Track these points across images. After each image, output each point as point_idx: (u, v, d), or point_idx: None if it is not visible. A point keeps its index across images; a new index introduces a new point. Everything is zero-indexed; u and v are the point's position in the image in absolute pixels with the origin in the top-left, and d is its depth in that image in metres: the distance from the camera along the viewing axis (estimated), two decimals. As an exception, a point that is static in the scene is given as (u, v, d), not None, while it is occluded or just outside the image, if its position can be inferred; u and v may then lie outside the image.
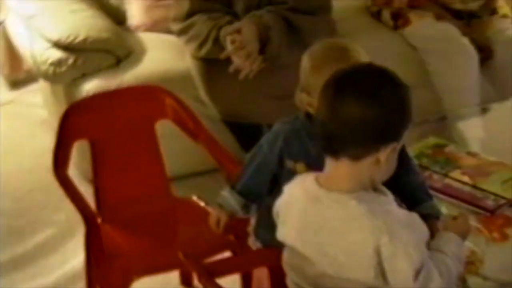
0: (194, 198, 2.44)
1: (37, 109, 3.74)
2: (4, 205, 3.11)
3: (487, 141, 2.71)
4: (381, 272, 1.62)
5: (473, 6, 3.46)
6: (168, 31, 3.24)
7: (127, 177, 2.38)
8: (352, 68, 1.71)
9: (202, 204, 2.41)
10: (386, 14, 3.47)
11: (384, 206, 1.66)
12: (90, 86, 3.01)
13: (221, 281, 1.76)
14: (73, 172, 2.40)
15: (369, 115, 1.60)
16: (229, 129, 3.05)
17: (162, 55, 3.18)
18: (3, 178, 3.25)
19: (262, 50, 2.82)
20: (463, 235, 1.77)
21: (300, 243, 1.71)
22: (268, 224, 1.94)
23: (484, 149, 2.55)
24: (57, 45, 3.04)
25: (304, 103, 1.93)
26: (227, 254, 2.22)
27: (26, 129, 3.66)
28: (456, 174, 2.30)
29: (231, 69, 2.77)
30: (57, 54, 3.03)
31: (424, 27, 3.37)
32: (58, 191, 2.83)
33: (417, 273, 1.61)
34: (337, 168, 1.66)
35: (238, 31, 2.78)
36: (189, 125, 2.41)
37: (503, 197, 2.18)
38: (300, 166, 1.94)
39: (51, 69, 3.02)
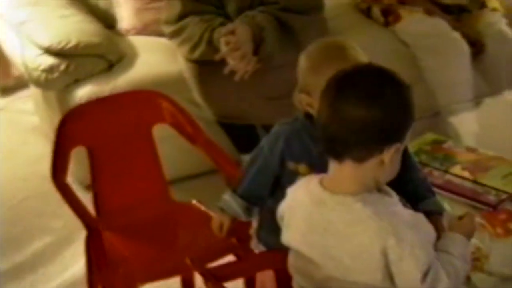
0: (194, 202, 2.43)
1: (28, 116, 3.72)
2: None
3: (481, 135, 2.72)
4: (389, 275, 1.61)
5: (462, 0, 3.46)
6: (159, 34, 3.23)
7: (126, 183, 2.37)
8: (352, 69, 1.68)
9: (202, 208, 2.40)
10: (376, 11, 3.47)
11: (389, 207, 1.65)
12: (83, 92, 3.00)
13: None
14: (68, 179, 2.38)
15: (372, 116, 1.58)
16: (223, 130, 3.05)
17: (154, 58, 3.17)
18: (-3, 186, 3.24)
19: (256, 51, 2.81)
20: (469, 235, 1.76)
21: (305, 246, 1.70)
22: (270, 227, 1.93)
23: (478, 143, 2.55)
24: (49, 51, 3.02)
25: (304, 103, 1.91)
26: (229, 257, 2.20)
27: (18, 136, 3.63)
28: (456, 170, 2.30)
29: (226, 70, 2.76)
30: (48, 60, 3.01)
31: (415, 23, 3.37)
32: (54, 198, 2.82)
33: (425, 275, 1.59)
34: (341, 170, 1.64)
35: (232, 33, 2.77)
36: (187, 128, 2.39)
37: (504, 192, 2.18)
38: (302, 167, 1.93)
39: (43, 75, 3.00)
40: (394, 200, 1.69)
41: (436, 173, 2.29)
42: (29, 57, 3.04)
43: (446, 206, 2.05)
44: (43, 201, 3.08)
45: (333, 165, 1.66)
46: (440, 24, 3.37)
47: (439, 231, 1.78)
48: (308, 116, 1.93)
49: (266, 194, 2.00)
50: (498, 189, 2.19)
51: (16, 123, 3.74)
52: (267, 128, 2.98)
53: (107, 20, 3.38)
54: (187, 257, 1.79)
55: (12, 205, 3.16)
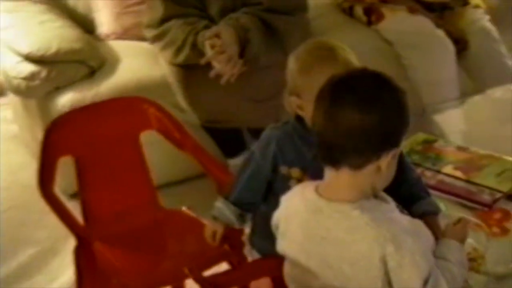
0: (184, 208, 2.41)
1: (7, 125, 3.68)
2: (-19, 225, 3.06)
3: (467, 134, 2.71)
4: (388, 283, 1.60)
5: (445, -3, 3.48)
6: (140, 38, 3.21)
7: (114, 191, 2.34)
8: (347, 73, 1.66)
9: (192, 214, 2.38)
10: (358, 10, 3.47)
11: (387, 214, 1.63)
12: (65, 99, 2.98)
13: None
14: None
15: (370, 121, 1.57)
16: (209, 135, 3.04)
17: (136, 63, 3.15)
18: (-22, 197, 3.20)
19: (241, 53, 2.80)
20: (462, 240, 1.77)
21: (302, 255, 1.68)
22: (264, 232, 1.92)
23: (465, 142, 2.54)
24: (29, 58, 2.98)
25: (294, 106, 1.90)
26: (223, 265, 2.19)
27: (-2, 146, 3.59)
28: (448, 169, 2.30)
29: (212, 74, 2.75)
30: (28, 67, 2.97)
31: (398, 22, 3.38)
32: (37, 208, 2.80)
33: (425, 282, 1.58)
34: (337, 177, 1.63)
35: (217, 35, 2.76)
36: (175, 134, 2.38)
37: (498, 191, 2.18)
38: (295, 171, 1.92)
39: (24, 83, 2.97)
40: (391, 206, 1.68)
41: (428, 173, 2.29)
42: (9, 65, 3.01)
43: (441, 206, 2.05)
44: (26, 211, 3.05)
45: (329, 172, 1.64)
46: (423, 22, 3.38)
47: (436, 232, 1.78)
48: (298, 118, 1.92)
49: (259, 200, 1.99)
50: (492, 188, 2.19)
51: (-6, 132, 3.71)
52: (253, 131, 3.02)
53: (86, 25, 3.35)
54: (185, 267, 1.77)
55: (-6, 216, 3.12)
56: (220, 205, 1.99)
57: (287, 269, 1.76)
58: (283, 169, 1.93)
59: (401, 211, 1.76)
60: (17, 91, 3.03)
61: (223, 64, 2.73)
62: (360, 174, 1.60)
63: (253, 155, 1.97)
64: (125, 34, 3.33)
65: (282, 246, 1.74)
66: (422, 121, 3.23)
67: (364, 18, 3.45)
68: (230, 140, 3.08)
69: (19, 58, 3.00)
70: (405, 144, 2.37)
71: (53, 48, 2.98)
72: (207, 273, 1.99)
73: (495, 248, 1.98)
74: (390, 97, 1.61)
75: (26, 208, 3.05)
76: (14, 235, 3.01)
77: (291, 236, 1.71)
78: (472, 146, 2.42)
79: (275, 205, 1.80)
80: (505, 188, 2.19)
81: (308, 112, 1.83)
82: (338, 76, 1.64)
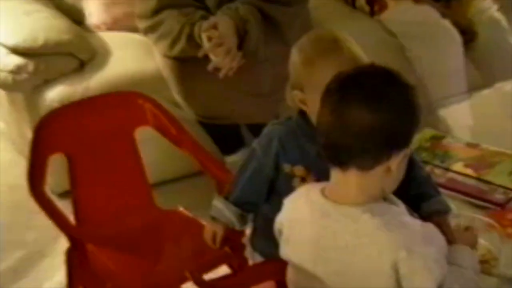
0: (181, 209, 2.41)
1: (-10, 121, 3.67)
2: (-33, 228, 3.05)
3: (475, 130, 2.71)
4: None
5: (451, -15, 3.49)
6: (132, 29, 3.21)
7: (108, 191, 2.35)
8: (354, 70, 1.65)
9: (189, 214, 2.39)
10: (361, 0, 3.47)
11: (398, 218, 1.62)
12: (54, 94, 2.97)
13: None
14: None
15: (379, 121, 1.56)
16: (205, 130, 3.04)
17: (128, 56, 3.15)
18: (-37, 198, 3.19)
19: (240, 45, 2.79)
20: (472, 247, 1.78)
21: (309, 262, 1.67)
22: (266, 234, 1.91)
23: (473, 138, 2.54)
24: (15, 51, 2.98)
25: (297, 100, 1.89)
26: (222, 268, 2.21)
27: (-19, 143, 3.58)
28: (458, 167, 2.30)
29: (210, 67, 2.74)
30: (15, 60, 2.97)
31: (402, 12, 3.38)
32: (24, 209, 2.81)
33: None
34: (344, 179, 1.62)
35: (215, 27, 2.75)
36: (172, 131, 2.37)
37: (511, 189, 2.18)
38: (298, 169, 1.92)
39: (10, 77, 2.96)
40: (401, 209, 1.67)
41: (437, 171, 2.29)
42: (-6, 58, 3.00)
43: (452, 206, 2.05)
44: (13, 212, 3.05)
45: (335, 174, 1.63)
46: (428, 12, 3.38)
47: (447, 232, 1.79)
48: (301, 114, 1.91)
49: (260, 199, 1.98)
50: (505, 187, 2.19)
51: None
52: (252, 127, 3.03)
53: (74, 15, 3.34)
54: (185, 270, 1.77)
55: (-21, 218, 3.11)
56: (219, 205, 1.98)
57: (291, 275, 1.75)
58: (286, 167, 1.92)
59: (411, 214, 1.76)
60: (3, 85, 3.02)
61: (221, 57, 2.72)
62: (369, 176, 1.60)
63: (254, 152, 1.97)
64: (116, 24, 3.32)
65: (286, 251, 1.73)
66: (428, 116, 3.24)
67: (367, 8, 3.45)
68: (227, 137, 3.09)
69: (4, 51, 2.99)
70: (413, 141, 2.37)
71: (40, 40, 2.97)
72: (207, 276, 1.99)
73: (509, 249, 1.97)
74: (400, 95, 1.60)
75: (14, 208, 3.05)
76: (1, 237, 2.99)
77: (296, 241, 1.70)
78: (480, 142, 2.43)
79: (277, 205, 1.80)
80: (519, 186, 2.19)
81: (311, 107, 1.83)
82: (345, 73, 1.63)
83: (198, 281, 1.74)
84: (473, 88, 3.27)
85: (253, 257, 2.10)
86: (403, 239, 1.57)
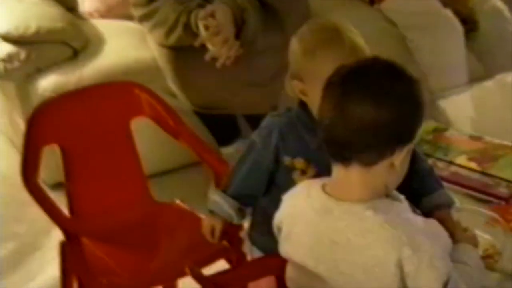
0: (178, 201, 2.41)
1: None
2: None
3: (476, 122, 2.71)
4: None
5: (452, -26, 3.48)
6: (126, 17, 3.21)
7: (104, 183, 2.34)
8: (357, 64, 1.64)
9: (186, 207, 2.38)
10: (361, -12, 3.48)
11: (402, 215, 1.62)
12: (46, 83, 2.97)
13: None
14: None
15: (383, 116, 1.54)
16: (201, 121, 3.03)
17: (123, 44, 3.14)
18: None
19: (237, 34, 2.79)
20: (475, 245, 1.78)
21: (311, 260, 1.66)
22: (265, 228, 1.90)
23: (474, 130, 2.54)
24: (6, 38, 2.97)
25: (297, 91, 1.88)
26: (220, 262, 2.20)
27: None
28: (461, 160, 2.30)
29: (207, 57, 2.74)
30: (6, 48, 2.96)
31: (403, 1, 3.38)
32: (15, 201, 2.80)
33: (444, 287, 1.57)
34: (347, 175, 1.60)
35: (212, 15, 2.74)
36: (169, 122, 2.37)
37: (516, 183, 2.19)
38: (298, 161, 1.91)
39: (1, 65, 2.96)
40: (405, 205, 1.66)
41: (440, 164, 2.28)
42: (-16, 46, 2.99)
43: (455, 200, 2.05)
44: (4, 204, 3.04)
45: (337, 169, 1.62)
46: (429, 1, 3.38)
47: (450, 227, 1.78)
48: (301, 104, 1.91)
49: (259, 193, 1.98)
50: (509, 181, 2.19)
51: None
52: (249, 118, 3.02)
53: (67, 3, 3.33)
54: (185, 265, 1.76)
55: (-32, 210, 3.11)
56: (217, 199, 1.97)
57: (290, 273, 1.74)
58: (286, 160, 1.92)
59: (414, 211, 1.75)
60: (-6, 74, 3.02)
61: (218, 46, 2.72)
62: (372, 172, 1.59)
63: (253, 145, 1.95)
64: (110, 12, 3.32)
65: (286, 249, 1.72)
66: (428, 108, 3.24)
67: (367, -3, 3.45)
68: (223, 127, 3.09)
69: (-4, 39, 2.98)
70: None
71: (32, 28, 2.97)
72: (204, 271, 1.99)
73: (513, 244, 1.98)
74: (404, 89, 1.59)
75: (5, 200, 3.04)
76: (-8, 230, 3.00)
77: (296, 239, 1.69)
78: (481, 134, 2.43)
79: (276, 198, 1.79)
80: (523, 180, 2.19)
81: (312, 98, 1.83)
82: (347, 66, 1.62)
83: (197, 276, 1.73)
84: (474, 79, 3.27)
85: (251, 251, 2.09)
86: (407, 236, 1.56)
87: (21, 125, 2.90)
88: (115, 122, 2.37)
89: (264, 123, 1.97)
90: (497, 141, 2.38)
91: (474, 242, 1.78)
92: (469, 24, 3.40)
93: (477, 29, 3.42)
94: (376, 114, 1.54)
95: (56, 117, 2.32)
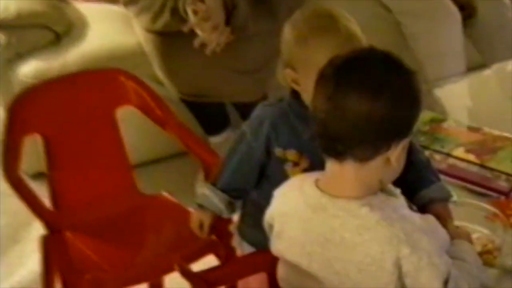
0: (165, 193, 2.41)
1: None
2: None
3: (471, 111, 2.71)
4: None
5: (450, -43, 3.47)
6: (112, 0, 3.18)
7: (88, 174, 2.34)
8: (352, 55, 1.62)
9: (173, 200, 2.38)
10: (354, -28, 3.45)
11: (398, 211, 1.61)
12: (28, 68, 2.96)
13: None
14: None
15: (379, 110, 1.53)
16: (189, 109, 3.03)
17: (107, 29, 3.14)
18: None
19: (227, 20, 2.77)
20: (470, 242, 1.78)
21: (305, 259, 1.65)
22: (255, 222, 1.89)
23: (471, 121, 2.54)
24: (-15, 23, 2.95)
25: (289, 80, 1.87)
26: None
27: None
28: (459, 152, 2.29)
29: (196, 43, 2.72)
30: (-15, 33, 2.95)
31: (398, -15, 3.37)
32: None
33: (444, 285, 1.57)
34: (341, 171, 1.59)
35: (201, 0, 2.72)
36: (156, 111, 2.37)
37: (516, 177, 2.19)
38: (291, 153, 1.90)
39: (-20, 50, 2.95)
40: (401, 201, 1.65)
41: (437, 156, 2.27)
42: (-38, 31, 2.98)
43: (452, 194, 2.04)
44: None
45: (331, 165, 1.61)
46: (426, -14, 3.37)
47: (447, 220, 1.80)
48: (294, 94, 1.90)
49: (250, 185, 1.97)
50: (509, 174, 2.18)
51: None
52: (238, 106, 3.02)
53: (48, -15, 3.32)
54: (172, 261, 1.76)
55: None
56: (206, 192, 1.97)
57: (282, 273, 1.73)
58: (278, 151, 1.91)
59: (410, 207, 1.74)
60: (-27, 59, 3.01)
61: (208, 32, 2.71)
62: (367, 167, 1.57)
63: (244, 136, 1.94)
64: (94, -5, 3.30)
65: (278, 247, 1.71)
66: (424, 98, 3.23)
67: (361, -19, 3.43)
68: (212, 116, 3.08)
69: (-26, 23, 2.97)
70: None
71: (12, 11, 2.96)
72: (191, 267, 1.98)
73: (512, 240, 1.98)
74: (401, 82, 1.57)
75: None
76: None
77: (289, 237, 1.68)
78: (478, 125, 2.42)
79: (267, 190, 1.78)
80: (523, 174, 2.19)
81: (304, 87, 1.82)
82: (341, 57, 1.60)
83: (186, 273, 1.72)
84: (472, 67, 3.27)
85: (241, 246, 2.08)
86: (405, 234, 1.55)
87: (1, 114, 2.87)
88: (99, 111, 2.36)
89: (255, 113, 1.96)
90: (496, 132, 2.37)
91: (468, 238, 1.78)
92: (467, 10, 3.38)
93: (475, 15, 3.41)
94: (372, 108, 1.53)
95: (38, 105, 2.31)
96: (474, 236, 1.87)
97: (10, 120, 2.25)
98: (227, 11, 2.77)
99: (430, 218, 1.65)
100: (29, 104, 2.30)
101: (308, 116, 1.65)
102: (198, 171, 2.29)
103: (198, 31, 2.72)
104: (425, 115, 2.46)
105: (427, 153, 2.24)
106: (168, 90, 2.95)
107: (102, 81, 2.40)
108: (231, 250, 2.14)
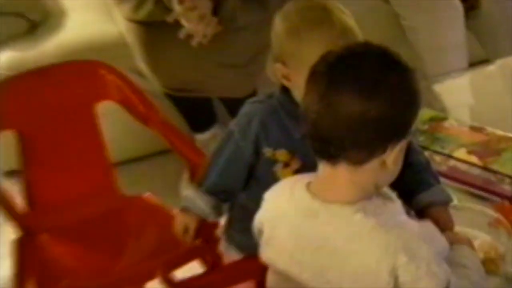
0: (147, 194, 2.41)
1: None
2: None
3: (473, 109, 2.71)
4: None
5: None
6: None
7: (65, 174, 2.34)
8: (346, 51, 1.61)
9: (156, 201, 2.38)
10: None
11: (395, 217, 1.60)
12: (1, 59, 2.95)
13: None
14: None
15: (375, 109, 1.52)
16: (173, 105, 3.03)
17: (86, 18, 3.14)
18: None
19: (215, 10, 2.77)
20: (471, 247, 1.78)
21: (295, 268, 1.64)
22: (243, 225, 1.89)
23: (473, 119, 2.54)
24: (-45, 11, 2.95)
25: (279, 75, 1.88)
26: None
27: None
28: (461, 153, 2.29)
29: (182, 34, 2.72)
30: (-46, 22, 2.95)
31: (396, -25, 3.37)
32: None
33: None
34: (334, 174, 1.58)
35: (186, -12, 2.73)
36: (139, 107, 2.37)
37: (521, 180, 2.19)
38: (281, 153, 1.91)
39: (-49, 40, 2.94)
40: (397, 206, 1.65)
41: (438, 158, 2.28)
42: None
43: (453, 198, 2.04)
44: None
45: (323, 168, 1.60)
46: (426, -25, 3.37)
47: (447, 225, 1.81)
48: (284, 89, 1.90)
49: (238, 187, 1.98)
50: (513, 177, 2.19)
51: None
52: (225, 101, 3.01)
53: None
54: (153, 267, 1.76)
55: None
56: (191, 194, 1.97)
57: (272, 281, 1.73)
58: (268, 152, 1.91)
59: (407, 212, 1.73)
60: None
61: (194, 22, 2.70)
62: (361, 171, 1.57)
63: (231, 134, 1.95)
64: (72, -18, 3.29)
65: (268, 255, 1.70)
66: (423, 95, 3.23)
67: (356, -30, 3.43)
68: (198, 112, 3.09)
69: None
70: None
71: (-18, -2, 2.96)
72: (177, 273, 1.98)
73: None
74: (398, 80, 1.56)
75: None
76: None
77: (279, 244, 1.67)
78: (479, 123, 2.42)
79: (257, 193, 1.77)
80: (528, 177, 2.19)
81: (295, 84, 1.82)
82: (335, 52, 1.59)
83: (169, 281, 1.72)
84: (474, 62, 3.27)
85: (228, 252, 2.09)
86: (402, 241, 1.54)
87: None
88: (78, 105, 2.36)
89: (243, 110, 1.96)
90: (500, 132, 2.37)
91: (469, 244, 1.78)
92: (470, 1, 3.38)
93: (478, 7, 3.41)
94: (367, 108, 1.52)
95: (12, 99, 2.31)
96: (476, 242, 1.87)
97: (-18, 116, 2.25)
98: (215, 0, 2.77)
99: (428, 225, 1.65)
100: (2, 98, 2.30)
101: (299, 113, 1.65)
102: (183, 170, 2.29)
103: (184, 22, 2.72)
104: (424, 113, 2.46)
105: (426, 154, 2.23)
106: (151, 84, 2.94)
107: (81, 74, 2.40)
108: (218, 256, 2.14)
